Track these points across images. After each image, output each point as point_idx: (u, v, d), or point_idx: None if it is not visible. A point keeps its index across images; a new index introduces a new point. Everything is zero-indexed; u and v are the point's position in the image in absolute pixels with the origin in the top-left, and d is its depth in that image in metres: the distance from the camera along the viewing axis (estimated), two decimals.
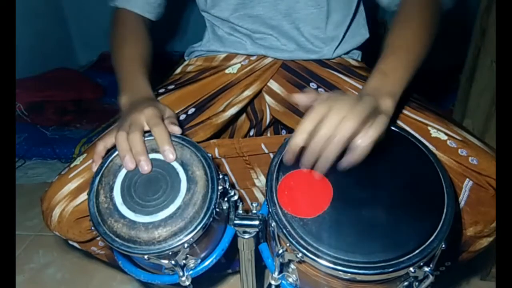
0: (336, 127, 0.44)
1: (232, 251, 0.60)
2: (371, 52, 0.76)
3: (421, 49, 0.59)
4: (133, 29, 0.74)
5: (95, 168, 0.55)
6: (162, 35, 2.25)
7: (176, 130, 0.57)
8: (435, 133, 0.61)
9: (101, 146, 0.56)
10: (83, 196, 0.60)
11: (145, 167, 0.52)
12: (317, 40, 0.74)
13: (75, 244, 0.66)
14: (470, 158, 0.57)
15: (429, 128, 0.61)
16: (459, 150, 0.58)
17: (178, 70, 0.81)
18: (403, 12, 0.64)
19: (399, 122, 0.63)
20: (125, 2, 0.75)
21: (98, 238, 0.66)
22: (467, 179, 0.58)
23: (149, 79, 0.67)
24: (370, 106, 0.47)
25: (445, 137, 0.60)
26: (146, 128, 0.55)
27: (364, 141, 0.45)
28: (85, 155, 0.64)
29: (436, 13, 0.64)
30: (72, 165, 0.63)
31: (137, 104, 0.59)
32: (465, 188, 0.58)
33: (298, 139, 0.46)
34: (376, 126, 0.46)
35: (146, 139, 0.56)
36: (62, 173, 0.63)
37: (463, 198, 0.59)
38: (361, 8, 0.79)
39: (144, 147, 0.53)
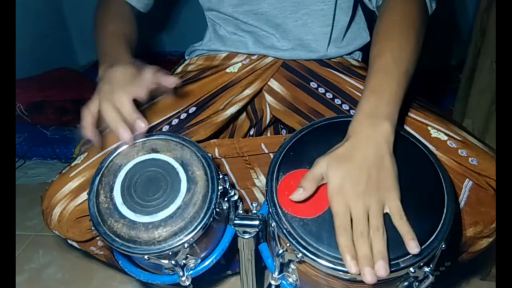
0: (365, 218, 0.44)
1: (232, 252, 0.60)
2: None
3: (410, 59, 0.55)
4: (120, 11, 0.73)
5: (93, 138, 0.52)
6: (162, 35, 2.25)
7: (173, 80, 0.55)
8: (435, 133, 0.60)
9: (88, 115, 0.53)
10: (84, 196, 0.60)
11: (142, 125, 0.51)
12: (323, 39, 0.73)
13: (74, 244, 0.66)
14: (470, 159, 0.57)
15: (429, 128, 0.61)
16: (459, 151, 0.58)
17: (179, 70, 0.81)
18: (387, 17, 0.60)
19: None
20: None
21: (98, 238, 0.66)
22: (467, 179, 0.58)
23: (132, 55, 0.65)
24: (376, 175, 0.46)
25: (445, 137, 0.60)
26: (132, 87, 0.53)
27: (401, 219, 0.45)
28: (85, 154, 0.64)
29: (422, 16, 0.60)
30: (73, 164, 0.63)
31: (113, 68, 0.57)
32: (465, 188, 0.58)
33: (345, 247, 0.43)
34: (393, 198, 0.45)
35: (147, 138, 0.56)
36: (63, 172, 0.63)
37: (463, 198, 0.59)
38: (360, 11, 0.78)
39: (133, 106, 0.51)
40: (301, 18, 0.72)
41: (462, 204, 0.59)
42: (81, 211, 0.60)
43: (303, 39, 0.73)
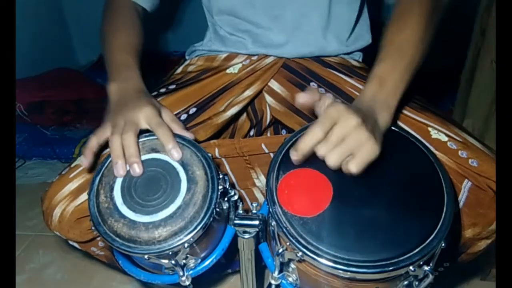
0: (342, 141, 0.46)
1: (232, 251, 0.60)
2: (372, 53, 0.76)
3: (418, 52, 0.56)
4: (127, 17, 0.73)
5: (86, 163, 0.55)
6: (162, 35, 2.26)
7: (187, 135, 0.57)
8: (436, 134, 0.61)
9: (94, 142, 0.55)
10: (84, 196, 0.60)
11: (137, 170, 0.52)
12: (319, 31, 0.73)
13: (75, 244, 0.66)
14: (470, 160, 0.57)
15: (430, 129, 0.61)
16: (459, 152, 0.58)
17: (179, 70, 0.81)
18: (400, 10, 0.61)
19: (400, 122, 0.63)
20: None
21: (98, 239, 0.66)
22: (466, 180, 0.58)
23: (141, 70, 0.66)
24: (371, 128, 0.47)
25: (446, 138, 0.60)
26: (143, 127, 0.55)
27: (355, 167, 0.46)
28: None
29: (436, 9, 0.61)
30: (72, 165, 0.63)
31: (129, 97, 0.59)
32: (464, 188, 0.58)
33: (308, 143, 0.47)
34: (366, 153, 0.47)
35: (146, 138, 0.56)
36: (63, 173, 0.63)
37: (461, 198, 0.59)
38: (366, 13, 0.78)
39: (137, 150, 0.53)
40: (298, 8, 0.72)
41: (461, 204, 0.59)
42: (82, 212, 0.60)
43: (300, 30, 0.73)
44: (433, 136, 0.60)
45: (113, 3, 0.75)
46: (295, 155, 0.48)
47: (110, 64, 0.66)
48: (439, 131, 0.61)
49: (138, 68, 0.66)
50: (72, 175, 0.62)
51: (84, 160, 0.55)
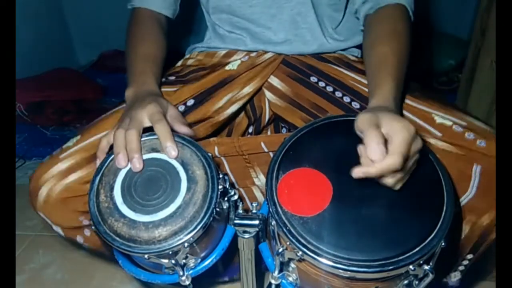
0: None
1: (230, 256, 0.60)
2: None
3: (408, 60, 0.62)
4: (149, 29, 0.75)
5: (98, 163, 0.56)
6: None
7: (185, 131, 0.57)
8: (440, 120, 0.61)
9: (105, 142, 0.56)
10: (73, 176, 0.60)
11: (137, 165, 0.52)
12: (317, 29, 0.74)
13: (59, 231, 0.65)
14: (478, 141, 0.57)
15: (434, 115, 0.62)
16: (466, 134, 0.58)
17: (179, 64, 0.82)
18: (386, 25, 0.66)
19: (405, 112, 0.63)
20: (142, 1, 0.77)
21: (84, 227, 0.65)
22: (475, 165, 0.57)
23: (159, 77, 0.69)
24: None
25: (450, 123, 0.60)
26: (147, 124, 0.55)
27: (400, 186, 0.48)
28: (78, 137, 0.64)
29: (410, 23, 0.67)
30: (64, 146, 0.64)
31: (140, 98, 0.60)
32: (475, 174, 0.58)
33: (383, 170, 0.44)
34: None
35: (147, 138, 0.56)
36: (53, 153, 0.63)
37: (474, 184, 0.58)
38: None
39: (139, 145, 0.53)
40: (295, 7, 0.72)
41: (474, 190, 0.58)
42: (70, 191, 0.59)
43: (298, 28, 0.74)
44: (437, 122, 0.61)
45: (137, 17, 0.77)
46: (360, 176, 0.45)
47: (128, 74, 0.68)
48: (443, 117, 0.61)
49: (154, 74, 0.68)
50: (62, 155, 0.61)
51: (98, 162, 0.56)
